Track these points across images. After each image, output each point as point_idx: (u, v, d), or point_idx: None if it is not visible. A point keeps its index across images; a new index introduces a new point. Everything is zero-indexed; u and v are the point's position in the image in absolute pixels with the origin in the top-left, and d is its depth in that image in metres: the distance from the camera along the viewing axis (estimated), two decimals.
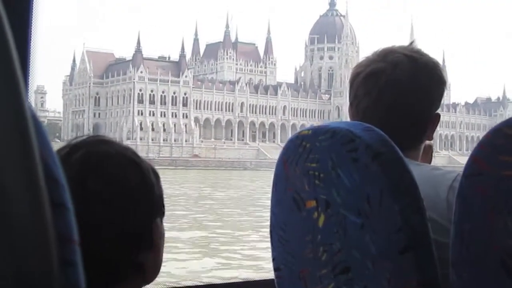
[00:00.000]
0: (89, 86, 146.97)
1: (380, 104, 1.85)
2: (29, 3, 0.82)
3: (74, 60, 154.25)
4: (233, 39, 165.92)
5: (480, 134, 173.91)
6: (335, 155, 1.48)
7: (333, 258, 1.53)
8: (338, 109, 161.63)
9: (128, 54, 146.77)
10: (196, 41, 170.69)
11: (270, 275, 1.91)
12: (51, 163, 0.66)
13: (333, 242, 1.52)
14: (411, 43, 1.97)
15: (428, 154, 2.05)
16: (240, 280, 3.39)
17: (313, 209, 1.55)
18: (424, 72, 1.86)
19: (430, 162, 2.06)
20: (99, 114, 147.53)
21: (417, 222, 1.42)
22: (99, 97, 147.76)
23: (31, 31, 0.83)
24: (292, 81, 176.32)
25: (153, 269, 1.23)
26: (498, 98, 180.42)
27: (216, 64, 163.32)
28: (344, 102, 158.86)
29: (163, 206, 1.25)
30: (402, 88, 1.83)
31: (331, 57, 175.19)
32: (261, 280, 3.10)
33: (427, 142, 1.99)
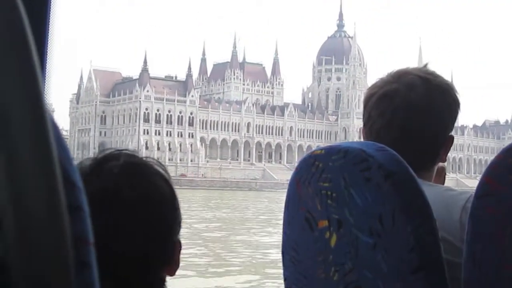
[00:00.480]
0: (96, 105, 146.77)
1: (394, 125, 1.85)
2: (46, 18, 0.81)
3: (81, 78, 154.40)
4: (240, 59, 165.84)
5: (488, 157, 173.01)
6: (347, 175, 1.49)
7: (344, 278, 1.52)
8: (345, 130, 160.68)
9: (135, 73, 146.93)
10: (203, 61, 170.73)
11: None
12: (68, 166, 0.67)
13: (345, 262, 1.52)
14: (425, 65, 1.98)
15: (441, 176, 2.06)
16: None
17: (325, 229, 1.55)
18: (438, 93, 1.87)
19: (443, 184, 2.05)
20: (105, 132, 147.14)
21: (430, 243, 1.42)
22: (105, 116, 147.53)
23: (47, 39, 0.82)
24: (299, 102, 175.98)
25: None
26: (507, 121, 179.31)
27: (223, 84, 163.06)
28: (351, 123, 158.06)
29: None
30: (416, 109, 1.84)
31: (338, 78, 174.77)
32: None
33: (440, 164, 1.99)
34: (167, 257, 1.24)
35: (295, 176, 1.64)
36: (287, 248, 1.72)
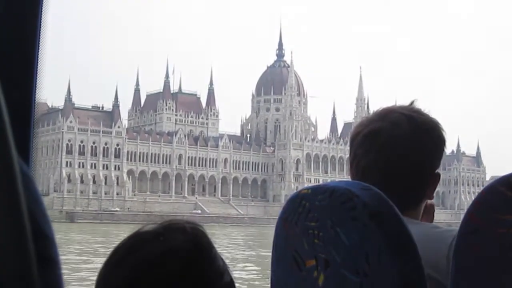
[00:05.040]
0: None
1: (379, 164, 1.87)
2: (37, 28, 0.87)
3: None
4: (176, 89, 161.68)
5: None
6: (333, 214, 1.50)
7: None
8: (281, 162, 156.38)
9: (62, 104, 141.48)
10: (137, 91, 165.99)
11: None
12: (41, 219, 0.67)
13: None
14: (412, 102, 1.99)
15: (430, 213, 2.08)
16: None
17: (313, 268, 1.56)
18: (422, 131, 1.89)
19: (431, 221, 2.07)
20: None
21: (416, 281, 1.43)
22: None
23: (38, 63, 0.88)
24: (239, 133, 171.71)
25: None
26: (453, 152, 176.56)
27: (155, 115, 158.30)
28: (288, 154, 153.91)
29: None
30: (401, 147, 1.86)
31: (277, 109, 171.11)
32: None
33: (429, 201, 2.01)
34: None
35: (283, 215, 1.66)
36: (276, 287, 1.73)
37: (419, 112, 1.92)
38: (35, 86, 0.92)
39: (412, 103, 1.98)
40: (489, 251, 1.31)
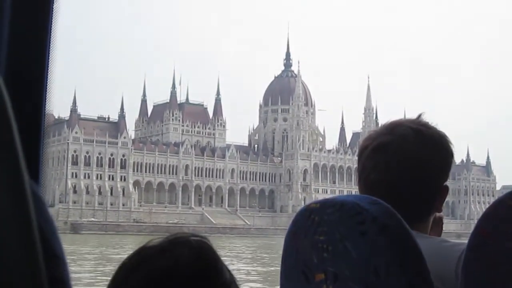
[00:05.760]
0: None
1: (387, 177, 1.89)
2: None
3: None
4: (184, 99, 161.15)
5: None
6: (342, 228, 1.50)
7: None
8: (289, 172, 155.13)
9: (68, 115, 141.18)
10: (143, 101, 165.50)
11: None
12: (53, 240, 0.69)
13: None
14: (419, 116, 2.01)
15: (438, 226, 2.10)
16: None
17: (321, 282, 1.55)
18: (430, 144, 1.91)
19: (440, 234, 2.11)
20: None
21: None
22: None
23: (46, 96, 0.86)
24: (246, 143, 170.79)
25: None
26: (462, 161, 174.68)
27: (162, 125, 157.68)
28: (295, 165, 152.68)
29: None
30: (409, 161, 1.89)
31: (285, 119, 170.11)
32: None
33: (437, 214, 2.04)
34: None
35: (292, 229, 1.66)
36: None
37: (426, 126, 1.94)
38: (45, 99, 0.91)
39: (419, 116, 1.99)
40: (498, 264, 1.32)
